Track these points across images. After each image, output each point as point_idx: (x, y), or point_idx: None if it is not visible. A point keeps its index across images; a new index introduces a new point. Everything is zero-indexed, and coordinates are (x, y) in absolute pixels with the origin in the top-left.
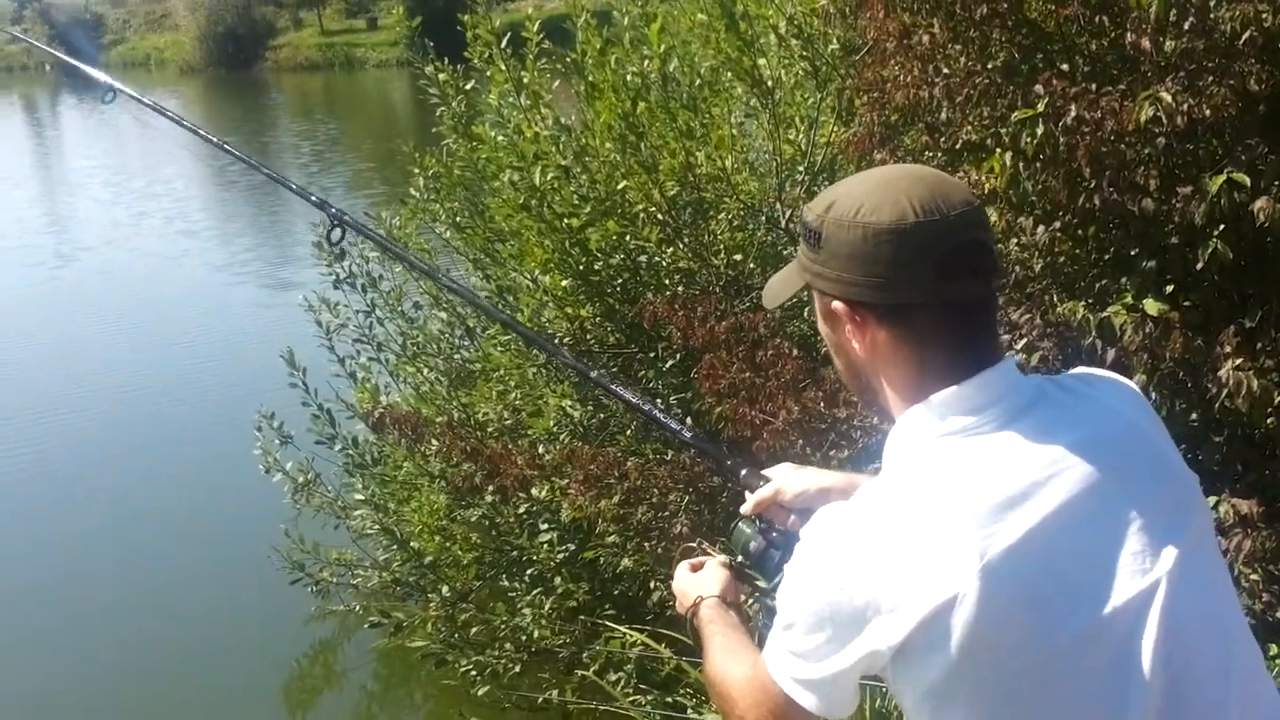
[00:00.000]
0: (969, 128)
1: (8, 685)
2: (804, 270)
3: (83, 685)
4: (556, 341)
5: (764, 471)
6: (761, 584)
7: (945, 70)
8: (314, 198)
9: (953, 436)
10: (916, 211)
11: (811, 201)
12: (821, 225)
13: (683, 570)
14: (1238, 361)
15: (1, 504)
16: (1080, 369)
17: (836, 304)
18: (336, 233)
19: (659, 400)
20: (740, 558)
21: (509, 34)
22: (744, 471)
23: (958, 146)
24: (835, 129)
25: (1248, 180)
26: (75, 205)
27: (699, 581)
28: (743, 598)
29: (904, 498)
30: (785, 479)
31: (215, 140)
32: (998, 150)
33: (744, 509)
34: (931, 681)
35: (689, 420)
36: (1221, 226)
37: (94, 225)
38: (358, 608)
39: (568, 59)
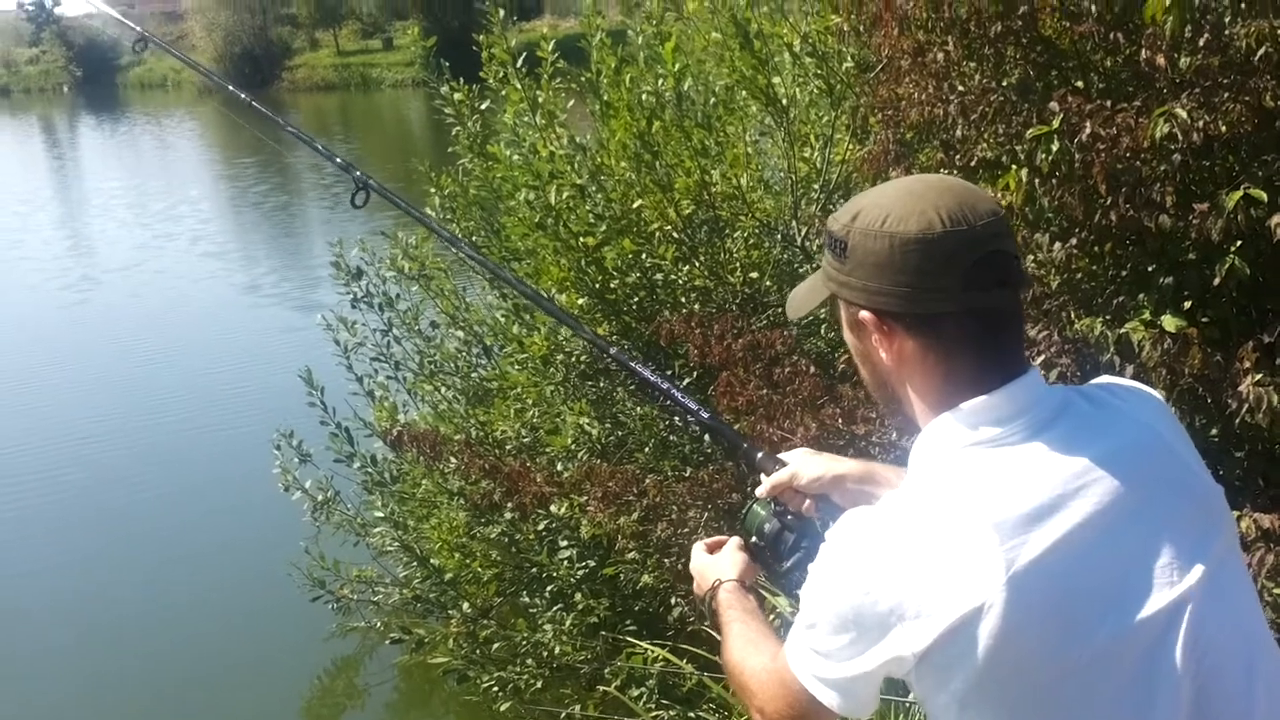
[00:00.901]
0: (984, 145)
1: (32, 701)
2: (829, 280)
3: (105, 703)
4: (573, 360)
5: (780, 455)
6: (777, 567)
7: (960, 88)
8: (339, 160)
9: (980, 446)
10: (944, 221)
11: (836, 212)
12: (847, 235)
13: (699, 551)
14: (1257, 377)
15: (28, 523)
16: (1105, 378)
17: (863, 313)
18: (360, 196)
19: (676, 418)
20: (755, 539)
21: (524, 54)
22: (759, 455)
23: (973, 164)
24: (850, 147)
25: (1265, 196)
26: (99, 227)
27: (717, 564)
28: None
29: (931, 506)
30: (802, 463)
31: (244, 96)
32: (1013, 167)
33: (759, 492)
34: (956, 689)
35: (705, 439)
36: (1239, 242)
37: (119, 247)
38: (379, 624)
39: (583, 78)
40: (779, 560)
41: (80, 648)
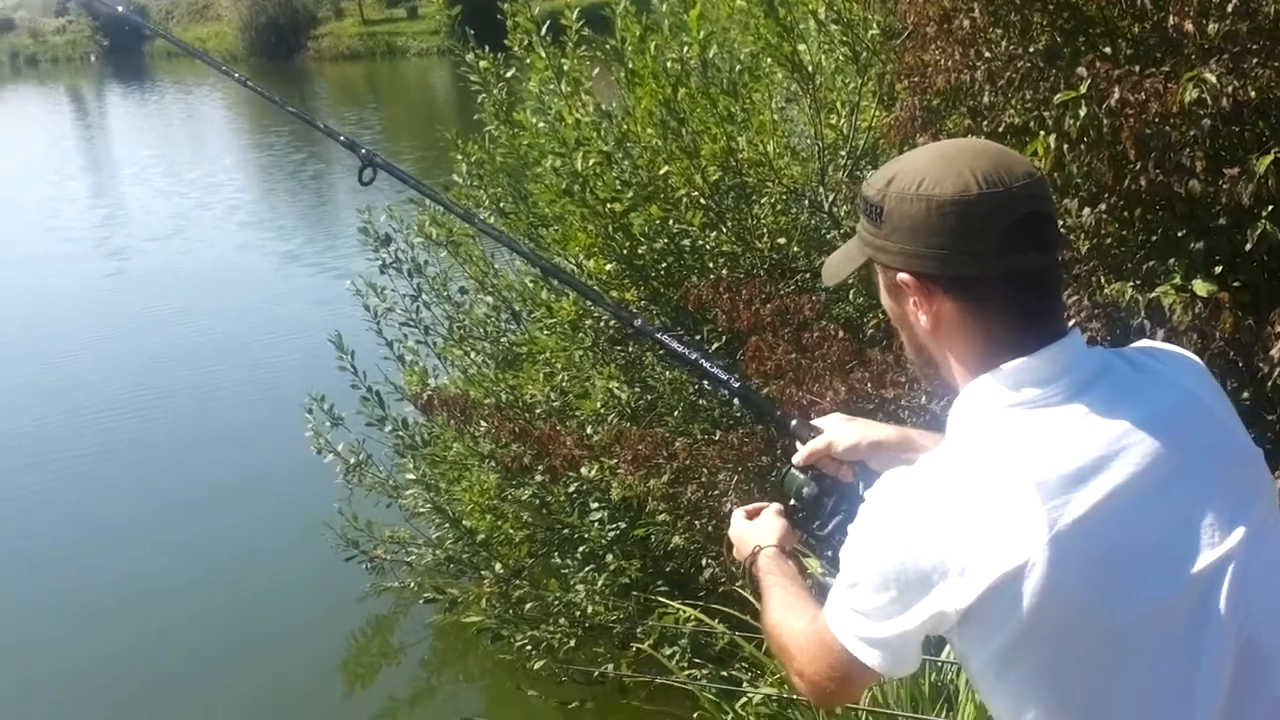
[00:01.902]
0: (1011, 111)
1: (67, 663)
2: (865, 245)
3: (142, 663)
4: (602, 325)
5: (814, 422)
6: (816, 530)
7: (986, 54)
8: (342, 138)
9: (1020, 407)
10: (979, 183)
11: (871, 176)
12: (883, 199)
13: (738, 517)
14: None
15: (63, 491)
16: (1145, 342)
17: (902, 276)
18: (368, 173)
19: (705, 381)
20: (793, 502)
21: (548, 21)
22: (793, 422)
23: (1000, 130)
24: (876, 113)
25: None
26: (134, 197)
27: (756, 529)
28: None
29: (973, 465)
30: (837, 431)
31: (237, 76)
32: (1041, 133)
33: (795, 460)
34: (997, 647)
35: (735, 402)
36: (1270, 207)
37: (155, 217)
38: (412, 584)
39: (607, 46)
40: (818, 523)
41: (117, 610)
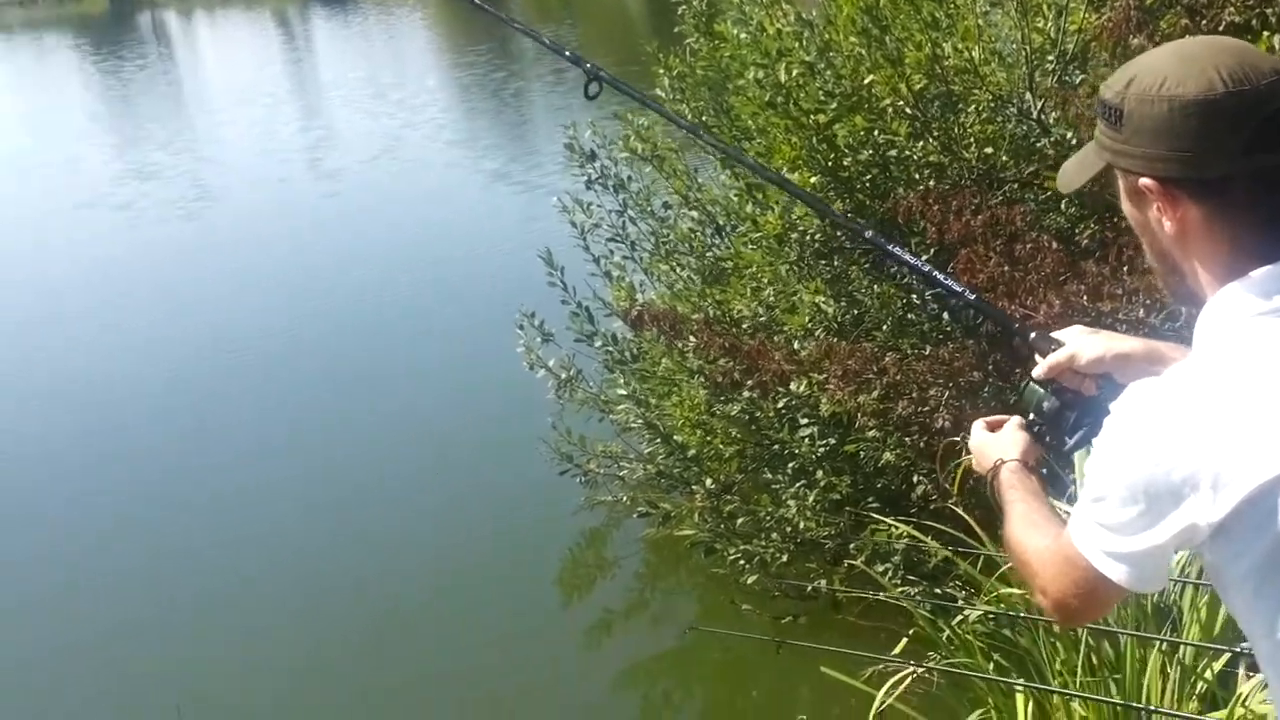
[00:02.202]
0: (1231, 8)
1: (291, 563)
2: (1104, 150)
3: (359, 577)
4: (807, 238)
5: (1055, 334)
6: (1059, 446)
7: None
8: (568, 53)
9: (1270, 316)
10: (1225, 81)
11: (1109, 79)
12: (1122, 102)
13: (979, 430)
14: None
15: (282, 403)
16: None
17: (1145, 181)
18: (593, 87)
19: (913, 295)
20: (1033, 417)
21: None
22: (1033, 335)
23: (1220, 29)
24: (1086, 15)
25: None
26: (341, 118)
27: (998, 443)
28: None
29: (1223, 375)
30: (1080, 343)
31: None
32: (1264, 33)
33: (1036, 373)
34: (1253, 561)
35: (944, 316)
36: None
37: (368, 138)
38: (625, 498)
39: None
40: (1060, 439)
41: (335, 525)
